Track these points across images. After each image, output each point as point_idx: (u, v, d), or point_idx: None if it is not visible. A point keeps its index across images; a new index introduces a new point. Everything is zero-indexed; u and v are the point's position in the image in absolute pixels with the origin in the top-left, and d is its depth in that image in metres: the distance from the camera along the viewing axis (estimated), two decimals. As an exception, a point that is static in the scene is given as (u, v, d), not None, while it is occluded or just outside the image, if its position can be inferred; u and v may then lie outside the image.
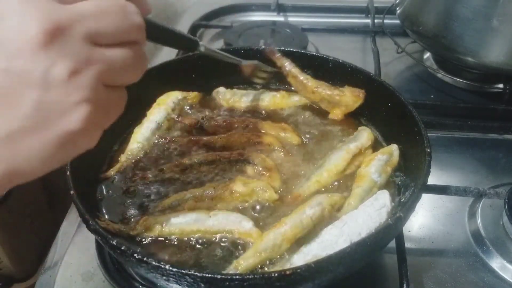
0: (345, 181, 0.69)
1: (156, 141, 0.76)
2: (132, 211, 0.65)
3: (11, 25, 0.36)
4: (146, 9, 0.46)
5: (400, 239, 0.66)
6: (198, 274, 0.47)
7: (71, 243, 0.71)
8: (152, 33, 0.47)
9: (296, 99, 0.86)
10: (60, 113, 0.37)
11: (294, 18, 1.36)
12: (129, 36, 0.41)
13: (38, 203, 1.15)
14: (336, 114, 0.81)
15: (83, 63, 0.38)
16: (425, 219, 0.74)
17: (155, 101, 0.81)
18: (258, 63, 0.81)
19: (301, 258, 0.56)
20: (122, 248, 0.51)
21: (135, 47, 0.42)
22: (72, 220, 0.75)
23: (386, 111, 0.77)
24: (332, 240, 0.57)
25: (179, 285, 0.50)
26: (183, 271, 0.47)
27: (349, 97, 0.79)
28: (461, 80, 1.05)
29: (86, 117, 0.38)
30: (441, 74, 1.08)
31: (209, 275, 0.47)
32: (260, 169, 0.69)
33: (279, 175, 0.69)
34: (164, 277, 0.50)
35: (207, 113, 0.84)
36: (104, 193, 0.68)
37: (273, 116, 0.84)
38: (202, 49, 0.64)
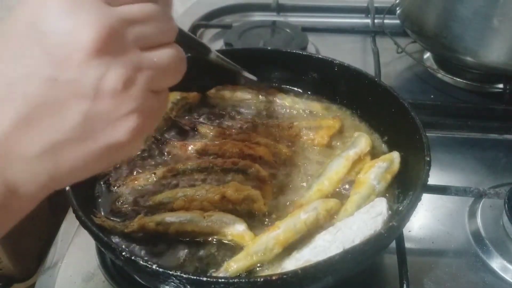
0: (344, 187, 0.69)
1: (150, 142, 0.76)
2: (128, 210, 0.65)
3: (58, 29, 0.33)
4: (171, 9, 0.44)
5: (400, 239, 0.66)
6: (184, 276, 0.47)
7: (71, 243, 0.71)
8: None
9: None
10: (108, 124, 0.36)
11: (294, 18, 1.36)
12: (168, 39, 0.40)
13: (39, 203, 1.15)
14: (322, 135, 0.76)
15: (135, 71, 0.36)
16: (426, 219, 0.74)
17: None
18: (256, 81, 0.81)
19: (293, 263, 0.56)
20: (112, 246, 0.52)
21: (174, 47, 0.40)
22: (72, 220, 0.75)
23: (389, 117, 0.76)
24: (325, 246, 0.56)
25: (167, 285, 0.50)
26: (169, 272, 0.47)
27: (328, 120, 0.79)
28: (461, 80, 1.05)
29: (134, 128, 0.37)
30: (441, 74, 1.08)
31: (195, 277, 0.47)
32: (253, 179, 0.68)
33: (271, 187, 0.69)
34: (152, 277, 0.50)
35: (203, 115, 0.84)
36: (103, 190, 0.68)
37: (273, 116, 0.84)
38: (213, 55, 0.65)
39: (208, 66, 0.85)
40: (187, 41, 0.58)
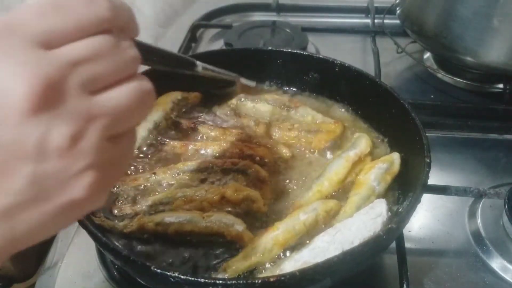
0: (344, 189, 0.69)
1: (151, 141, 0.76)
2: (127, 210, 0.65)
3: None
4: (136, 32, 0.39)
5: (400, 239, 0.66)
6: (182, 277, 0.47)
7: (71, 243, 0.71)
8: (147, 57, 0.42)
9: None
10: (61, 183, 0.32)
11: (294, 18, 1.36)
12: (127, 72, 0.35)
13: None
14: (319, 140, 0.76)
15: (83, 122, 0.32)
16: (426, 219, 0.74)
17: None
18: (255, 86, 0.79)
19: (292, 264, 0.55)
20: (110, 246, 0.52)
21: (135, 80, 0.36)
22: (72, 220, 0.75)
23: (390, 117, 0.76)
24: (324, 247, 0.56)
25: (166, 286, 0.50)
26: (167, 272, 0.48)
27: (329, 124, 0.78)
28: (461, 80, 1.05)
29: (92, 183, 0.34)
30: (441, 74, 1.08)
31: (193, 278, 0.47)
32: (253, 179, 0.68)
33: (271, 187, 0.69)
34: (151, 278, 0.50)
35: (204, 115, 0.84)
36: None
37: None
38: (199, 69, 0.57)
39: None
40: (164, 59, 0.49)
